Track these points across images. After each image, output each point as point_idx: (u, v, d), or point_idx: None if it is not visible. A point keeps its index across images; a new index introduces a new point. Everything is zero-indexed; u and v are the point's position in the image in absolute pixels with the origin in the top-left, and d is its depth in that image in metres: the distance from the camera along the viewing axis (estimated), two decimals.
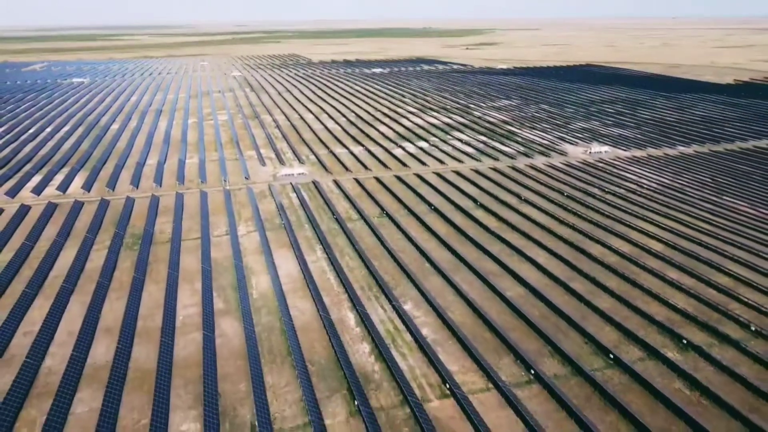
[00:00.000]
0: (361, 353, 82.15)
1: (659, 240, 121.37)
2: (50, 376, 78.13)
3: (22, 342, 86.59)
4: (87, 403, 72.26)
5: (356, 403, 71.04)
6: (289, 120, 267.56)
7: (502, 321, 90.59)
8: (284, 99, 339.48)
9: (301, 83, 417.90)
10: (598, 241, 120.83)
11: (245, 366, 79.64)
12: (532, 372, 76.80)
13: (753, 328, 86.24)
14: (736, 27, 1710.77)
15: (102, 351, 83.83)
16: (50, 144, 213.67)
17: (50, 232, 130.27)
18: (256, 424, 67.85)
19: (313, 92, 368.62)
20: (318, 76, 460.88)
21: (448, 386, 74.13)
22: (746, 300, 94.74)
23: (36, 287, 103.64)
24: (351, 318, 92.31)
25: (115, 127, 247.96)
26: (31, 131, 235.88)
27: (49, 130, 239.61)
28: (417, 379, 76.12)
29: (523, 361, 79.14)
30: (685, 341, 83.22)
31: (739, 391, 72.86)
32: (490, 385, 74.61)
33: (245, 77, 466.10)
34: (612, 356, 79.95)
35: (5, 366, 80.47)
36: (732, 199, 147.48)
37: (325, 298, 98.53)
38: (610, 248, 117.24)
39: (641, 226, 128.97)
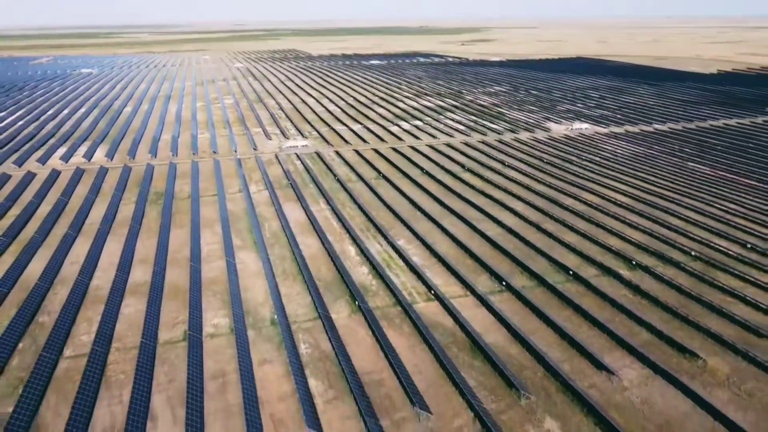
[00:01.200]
0: (361, 273, 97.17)
1: (624, 194, 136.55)
2: (99, 290, 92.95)
3: (70, 269, 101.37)
4: (133, 307, 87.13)
5: (357, 303, 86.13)
6: (291, 103, 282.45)
7: (482, 251, 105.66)
8: (286, 86, 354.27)
9: (301, 73, 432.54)
10: (570, 195, 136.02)
11: (263, 282, 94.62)
12: (504, 284, 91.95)
13: (693, 254, 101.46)
14: (732, 25, 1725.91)
15: (140, 274, 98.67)
16: (69, 123, 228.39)
17: (81, 191, 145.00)
18: (275, 317, 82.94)
19: (313, 81, 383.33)
20: (317, 68, 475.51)
21: (432, 293, 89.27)
22: (693, 236, 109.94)
23: (76, 231, 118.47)
24: (352, 250, 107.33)
25: (128, 109, 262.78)
26: (49, 113, 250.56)
27: (66, 111, 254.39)
28: (407, 290, 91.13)
29: (497, 277, 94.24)
30: (634, 263, 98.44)
31: (675, 296, 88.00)
32: (468, 293, 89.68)
33: (247, 68, 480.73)
34: (572, 273, 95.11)
35: (60, 284, 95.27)
36: (694, 164, 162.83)
37: (329, 236, 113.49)
38: (579, 199, 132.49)
39: (610, 184, 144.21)
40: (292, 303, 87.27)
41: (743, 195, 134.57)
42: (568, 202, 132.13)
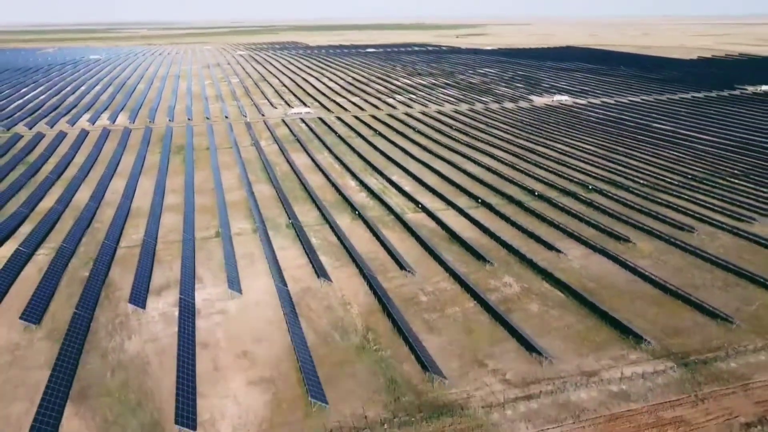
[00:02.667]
0: (360, 197, 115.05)
1: (591, 144, 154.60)
2: (140, 209, 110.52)
3: (112, 196, 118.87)
4: (171, 218, 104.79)
5: (357, 213, 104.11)
6: (293, 82, 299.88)
7: (463, 182, 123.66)
8: (288, 69, 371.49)
9: (302, 60, 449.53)
10: (543, 146, 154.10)
11: (277, 202, 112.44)
12: (480, 201, 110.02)
13: (642, 182, 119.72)
14: (726, 23, 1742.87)
15: (173, 199, 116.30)
16: (89, 96, 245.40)
17: (110, 145, 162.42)
18: (291, 222, 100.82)
19: (313, 65, 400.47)
20: (317, 55, 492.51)
21: (420, 206, 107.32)
22: (645, 171, 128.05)
23: (111, 171, 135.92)
24: (352, 183, 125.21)
25: (141, 86, 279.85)
26: (68, 89, 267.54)
27: (83, 88, 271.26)
28: (399, 206, 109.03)
29: (474, 198, 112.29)
30: (591, 187, 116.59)
31: (621, 208, 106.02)
32: (450, 208, 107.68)
33: (249, 55, 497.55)
34: (537, 194, 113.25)
35: (105, 206, 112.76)
36: (658, 123, 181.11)
37: (332, 174, 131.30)
38: (551, 149, 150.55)
39: (580, 137, 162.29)
40: (303, 215, 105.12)
41: (681, 148, 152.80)
42: (542, 149, 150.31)
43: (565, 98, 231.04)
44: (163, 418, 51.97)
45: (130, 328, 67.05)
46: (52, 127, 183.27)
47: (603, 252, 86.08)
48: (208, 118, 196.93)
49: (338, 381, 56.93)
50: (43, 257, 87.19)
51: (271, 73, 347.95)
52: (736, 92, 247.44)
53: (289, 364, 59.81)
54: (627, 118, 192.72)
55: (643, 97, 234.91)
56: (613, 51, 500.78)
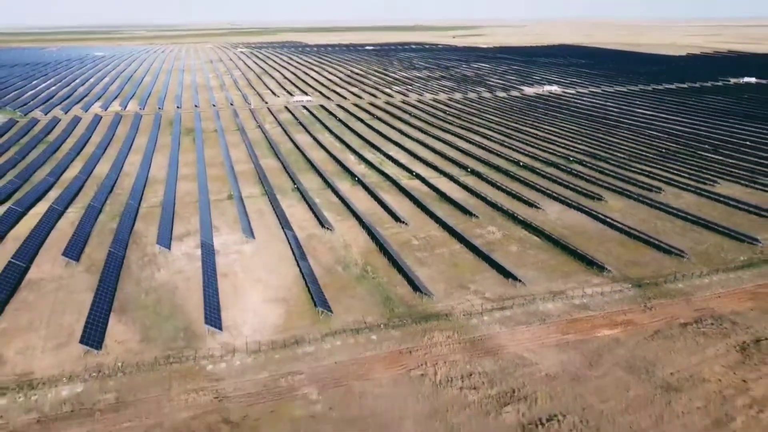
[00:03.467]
0: (359, 168, 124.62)
1: (575, 125, 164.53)
2: (157, 178, 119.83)
3: (130, 168, 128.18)
4: (186, 185, 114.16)
5: (356, 179, 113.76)
6: (294, 75, 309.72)
7: (454, 156, 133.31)
8: (288, 64, 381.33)
9: (301, 56, 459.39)
10: (532, 126, 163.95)
11: (283, 173, 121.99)
12: (469, 170, 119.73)
13: (621, 155, 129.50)
14: (721, 24, 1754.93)
15: (187, 170, 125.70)
16: (98, 88, 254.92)
17: (123, 129, 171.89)
18: (296, 187, 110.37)
19: (313, 61, 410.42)
20: (316, 53, 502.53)
21: (414, 174, 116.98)
22: (624, 148, 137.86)
23: (127, 149, 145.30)
24: (351, 157, 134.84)
25: (148, 79, 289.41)
26: (77, 81, 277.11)
27: (92, 80, 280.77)
28: (395, 174, 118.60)
29: (463, 167, 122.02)
30: (572, 159, 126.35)
31: (598, 175, 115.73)
32: (441, 176, 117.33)
33: (251, 52, 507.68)
34: (522, 164, 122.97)
35: (124, 176, 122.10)
36: (640, 110, 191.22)
37: (332, 151, 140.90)
38: (539, 129, 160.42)
39: (565, 120, 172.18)
40: (307, 182, 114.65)
41: (658, 130, 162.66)
42: (529, 130, 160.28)
43: (554, 88, 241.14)
44: (192, 324, 61.46)
45: (158, 264, 76.56)
46: (66, 112, 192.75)
47: (578, 208, 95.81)
48: (214, 105, 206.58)
49: (341, 299, 66.46)
50: (73, 214, 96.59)
51: (272, 67, 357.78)
52: (719, 83, 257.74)
53: (299, 288, 69.31)
54: (611, 105, 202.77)
55: (630, 88, 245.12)
56: (605, 49, 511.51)
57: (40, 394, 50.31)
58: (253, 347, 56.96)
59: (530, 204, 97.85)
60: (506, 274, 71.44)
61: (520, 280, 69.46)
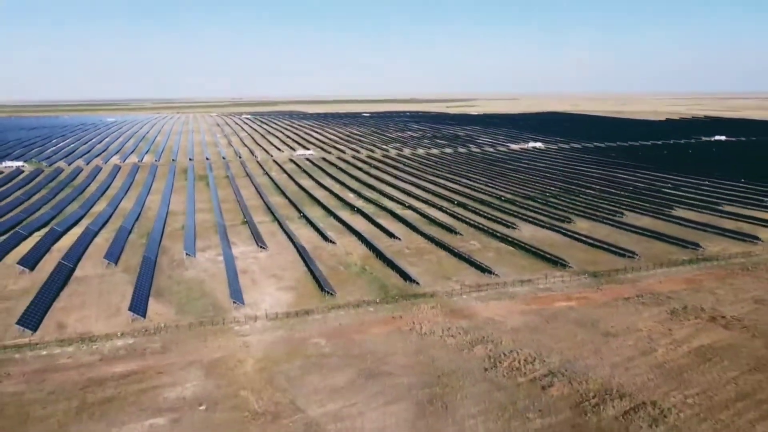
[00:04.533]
0: (358, 203, 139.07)
1: (550, 168, 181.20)
2: (177, 212, 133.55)
3: (152, 205, 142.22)
4: (204, 215, 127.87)
5: (355, 209, 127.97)
6: (297, 135, 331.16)
7: (444, 193, 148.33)
8: (291, 127, 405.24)
9: (303, 121, 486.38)
10: (513, 171, 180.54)
11: (290, 206, 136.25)
12: (456, 202, 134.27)
13: (593, 192, 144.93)
14: (704, 96, 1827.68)
15: (203, 205, 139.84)
16: (114, 145, 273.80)
17: (142, 175, 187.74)
18: (302, 215, 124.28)
19: (313, 125, 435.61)
20: (316, 119, 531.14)
21: (407, 206, 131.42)
22: (594, 178, 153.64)
23: (146, 191, 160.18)
24: (351, 195, 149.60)
25: (160, 139, 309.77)
26: (94, 140, 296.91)
27: (108, 140, 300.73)
28: (390, 207, 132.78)
29: (450, 201, 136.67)
30: (548, 194, 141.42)
31: (567, 203, 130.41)
32: (431, 207, 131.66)
33: (254, 118, 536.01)
34: (504, 199, 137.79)
35: (147, 210, 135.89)
36: (616, 164, 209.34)
37: (334, 190, 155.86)
38: (518, 172, 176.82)
39: (543, 166, 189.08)
40: (311, 212, 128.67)
41: (620, 175, 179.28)
42: (511, 174, 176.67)
43: (538, 144, 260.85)
44: (219, 302, 73.57)
45: (186, 266, 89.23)
46: (87, 163, 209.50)
47: (549, 227, 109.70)
48: (224, 158, 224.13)
49: (344, 287, 78.84)
50: (106, 234, 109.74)
51: (276, 129, 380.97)
52: (692, 140, 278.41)
53: (307, 281, 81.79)
54: (585, 156, 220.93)
55: (607, 143, 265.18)
56: (589, 116, 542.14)
57: (100, 344, 61.98)
58: (271, 316, 69.00)
59: (508, 225, 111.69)
60: (483, 269, 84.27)
61: (495, 273, 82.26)
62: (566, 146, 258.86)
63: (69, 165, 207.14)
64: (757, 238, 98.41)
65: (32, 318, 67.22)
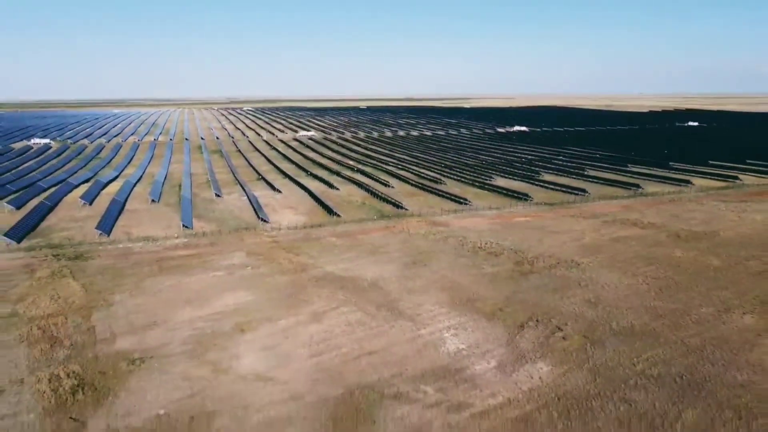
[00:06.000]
0: (359, 167, 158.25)
1: (535, 144, 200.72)
2: (198, 172, 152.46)
3: (176, 168, 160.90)
4: (223, 176, 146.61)
5: (355, 170, 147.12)
6: (297, 122, 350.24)
7: (435, 158, 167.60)
8: (292, 118, 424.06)
9: (302, 115, 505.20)
10: (498, 146, 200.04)
11: (298, 169, 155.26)
12: (444, 165, 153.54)
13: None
14: (695, 96, 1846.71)
15: (220, 170, 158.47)
16: (129, 128, 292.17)
17: (160, 150, 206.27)
18: (309, 173, 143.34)
19: (312, 116, 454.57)
20: (316, 112, 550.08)
21: (401, 166, 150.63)
22: (570, 159, 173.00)
23: (167, 161, 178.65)
24: (351, 162, 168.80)
25: (169, 126, 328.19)
26: (108, 125, 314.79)
27: (121, 125, 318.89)
28: (386, 169, 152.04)
29: (439, 163, 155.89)
30: (524, 159, 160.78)
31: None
32: (423, 168, 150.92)
33: (255, 110, 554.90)
34: (485, 162, 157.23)
35: (172, 173, 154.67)
36: (576, 147, 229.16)
37: (335, 158, 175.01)
38: (501, 150, 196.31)
39: (525, 143, 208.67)
40: (317, 172, 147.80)
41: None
42: (495, 146, 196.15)
43: (523, 128, 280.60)
44: (249, 222, 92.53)
45: (216, 202, 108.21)
46: (108, 141, 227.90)
47: (520, 179, 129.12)
48: (232, 137, 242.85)
49: (348, 212, 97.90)
50: (144, 186, 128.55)
51: (277, 120, 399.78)
52: (667, 126, 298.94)
53: (318, 210, 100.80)
54: (565, 135, 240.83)
55: (589, 128, 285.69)
56: (576, 110, 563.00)
57: (162, 243, 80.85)
58: (291, 227, 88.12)
59: (486, 177, 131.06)
60: (460, 201, 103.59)
61: (470, 203, 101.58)
62: (548, 128, 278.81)
63: (91, 143, 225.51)
64: (689, 182, 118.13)
65: (106, 226, 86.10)
